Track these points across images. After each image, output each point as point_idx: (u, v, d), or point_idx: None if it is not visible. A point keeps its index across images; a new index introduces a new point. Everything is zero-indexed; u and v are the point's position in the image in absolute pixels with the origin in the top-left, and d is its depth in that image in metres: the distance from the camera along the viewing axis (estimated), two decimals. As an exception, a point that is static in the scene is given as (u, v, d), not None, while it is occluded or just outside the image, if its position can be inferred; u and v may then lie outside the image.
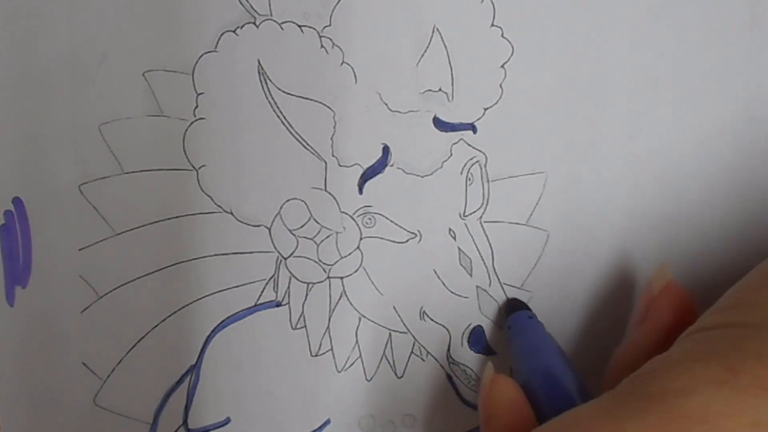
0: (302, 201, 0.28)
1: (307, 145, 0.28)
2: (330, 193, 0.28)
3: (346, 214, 0.28)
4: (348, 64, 0.28)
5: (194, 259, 0.28)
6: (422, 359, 0.30)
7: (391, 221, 0.29)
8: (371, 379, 0.29)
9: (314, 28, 0.27)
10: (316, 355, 0.29)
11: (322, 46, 0.27)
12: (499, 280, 0.29)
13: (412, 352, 0.29)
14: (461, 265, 0.29)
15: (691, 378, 0.21)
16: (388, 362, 0.29)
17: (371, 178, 0.28)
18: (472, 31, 0.28)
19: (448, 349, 0.30)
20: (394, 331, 0.29)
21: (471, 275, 0.29)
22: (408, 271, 0.29)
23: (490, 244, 0.29)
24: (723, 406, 0.20)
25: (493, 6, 0.28)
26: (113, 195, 0.27)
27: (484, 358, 0.30)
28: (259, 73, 0.27)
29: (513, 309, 0.29)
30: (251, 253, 0.28)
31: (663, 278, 0.27)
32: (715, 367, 0.21)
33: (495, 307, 0.29)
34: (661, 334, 0.26)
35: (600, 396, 0.23)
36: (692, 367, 0.21)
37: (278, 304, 0.29)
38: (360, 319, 0.29)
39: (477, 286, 0.29)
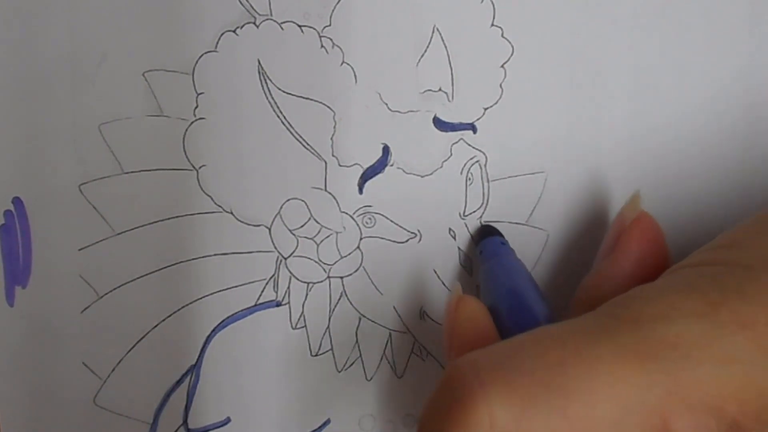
0: (302, 201, 0.28)
1: (307, 145, 0.28)
2: (330, 193, 0.28)
3: (346, 214, 0.28)
4: (348, 64, 0.28)
5: (194, 259, 0.28)
6: (422, 359, 0.30)
7: (391, 221, 0.29)
8: (371, 379, 0.29)
9: (314, 28, 0.27)
10: (316, 355, 0.29)
11: (322, 46, 0.27)
12: (499, 280, 0.29)
13: (412, 352, 0.29)
14: (461, 265, 0.29)
15: (669, 307, 0.21)
16: (388, 362, 0.29)
17: (371, 178, 0.28)
18: (472, 31, 0.28)
19: (448, 349, 0.30)
20: (394, 331, 0.29)
21: (471, 275, 0.29)
22: (408, 271, 0.29)
23: (490, 244, 0.29)
24: (699, 337, 0.20)
25: (493, 6, 0.28)
26: (113, 195, 0.27)
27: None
28: (259, 73, 0.27)
29: (485, 234, 0.29)
30: (251, 252, 0.28)
31: (635, 209, 0.27)
32: (696, 300, 0.21)
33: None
34: (631, 264, 0.25)
35: (573, 318, 0.22)
36: (673, 297, 0.21)
37: (278, 304, 0.29)
38: (360, 319, 0.29)
39: (477, 286, 0.29)
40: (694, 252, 0.24)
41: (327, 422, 0.29)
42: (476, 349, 0.22)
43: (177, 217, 0.28)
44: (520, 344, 0.21)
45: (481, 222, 0.29)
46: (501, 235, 0.29)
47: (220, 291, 0.28)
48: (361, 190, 0.28)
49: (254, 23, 0.27)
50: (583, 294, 0.26)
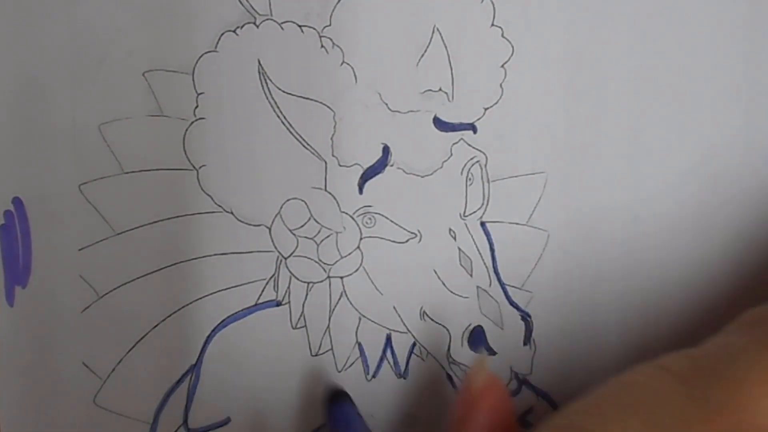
0: (302, 201, 0.28)
1: (307, 145, 0.28)
2: (330, 193, 0.28)
3: (346, 214, 0.28)
4: (348, 64, 0.28)
5: (194, 259, 0.28)
6: (422, 359, 0.30)
7: (391, 221, 0.29)
8: (371, 379, 0.29)
9: (314, 28, 0.27)
10: (316, 355, 0.29)
11: (322, 46, 0.27)
12: (499, 280, 0.29)
13: (412, 352, 0.29)
14: (461, 265, 0.29)
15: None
16: (388, 362, 0.29)
17: (371, 178, 0.28)
18: (472, 31, 0.28)
19: (448, 349, 0.30)
20: (394, 331, 0.29)
21: (471, 275, 0.29)
22: (408, 271, 0.29)
23: (490, 245, 0.29)
24: None
25: (493, 6, 0.28)
26: (113, 195, 0.27)
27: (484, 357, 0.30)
28: (259, 73, 0.27)
29: (336, 399, 0.28)
30: (251, 252, 0.28)
31: (482, 375, 0.25)
32: None
33: (495, 307, 0.29)
34: None
35: None
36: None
37: (278, 304, 0.29)
38: (360, 319, 0.29)
39: (477, 286, 0.29)
40: (546, 424, 0.23)
41: (327, 422, 0.29)
42: None
43: (177, 217, 0.28)
44: None
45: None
46: (352, 401, 0.28)
47: (220, 291, 0.28)
48: (361, 190, 0.28)
49: (254, 23, 0.27)
50: None
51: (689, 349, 0.24)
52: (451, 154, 0.29)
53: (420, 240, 0.29)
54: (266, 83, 0.27)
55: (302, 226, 0.28)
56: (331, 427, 0.28)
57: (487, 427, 0.25)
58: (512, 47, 0.28)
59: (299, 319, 0.29)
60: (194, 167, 0.28)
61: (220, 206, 0.28)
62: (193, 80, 0.27)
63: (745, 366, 0.22)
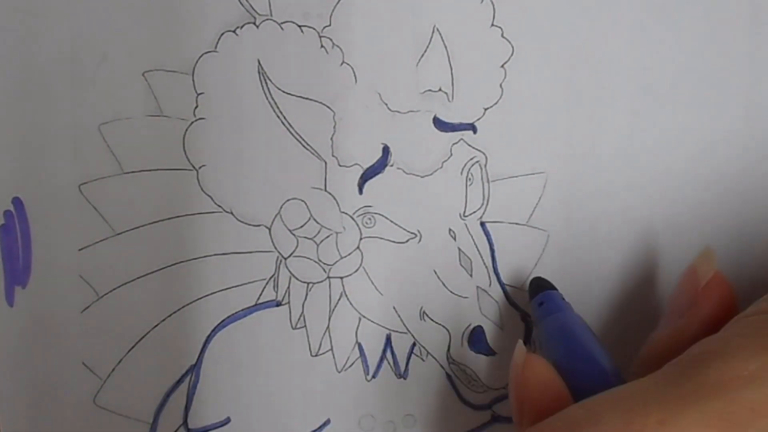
0: (302, 201, 0.28)
1: (307, 145, 0.28)
2: (330, 193, 0.28)
3: (346, 214, 0.28)
4: (348, 64, 0.28)
5: (194, 259, 0.28)
6: (422, 359, 0.30)
7: (391, 221, 0.29)
8: (371, 379, 0.29)
9: (314, 28, 0.27)
10: (316, 355, 0.29)
11: (322, 46, 0.27)
12: (499, 280, 0.29)
13: (412, 352, 0.29)
14: (461, 265, 0.29)
15: (759, 367, 0.20)
16: (388, 362, 0.29)
17: (371, 178, 0.28)
18: (472, 31, 0.28)
19: (448, 349, 0.30)
20: (394, 331, 0.29)
21: (471, 275, 0.29)
22: (408, 271, 0.29)
23: (490, 245, 0.29)
24: None
25: (493, 6, 0.28)
26: (113, 195, 0.27)
27: (485, 358, 0.30)
28: (259, 73, 0.27)
29: (540, 288, 0.28)
30: (251, 252, 0.28)
31: (710, 268, 0.26)
32: None
33: (495, 307, 0.29)
34: (708, 325, 0.24)
35: (644, 378, 0.21)
36: (756, 354, 0.20)
37: (278, 304, 0.29)
38: (360, 319, 0.29)
39: (477, 286, 0.29)
40: (759, 300, 0.23)
41: (327, 422, 0.29)
42: (552, 417, 0.21)
43: (177, 217, 0.28)
44: (599, 413, 0.21)
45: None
46: (557, 289, 0.28)
47: (220, 291, 0.28)
48: (361, 190, 0.28)
49: (254, 23, 0.27)
50: (652, 350, 0.26)
51: None
52: (451, 154, 0.29)
53: (420, 240, 0.29)
54: (266, 83, 0.27)
55: (302, 226, 0.28)
56: (538, 315, 0.27)
57: (714, 321, 0.24)
58: (512, 47, 0.28)
59: (299, 319, 0.29)
60: (194, 167, 0.28)
61: (220, 206, 0.28)
62: (193, 80, 0.27)
63: None
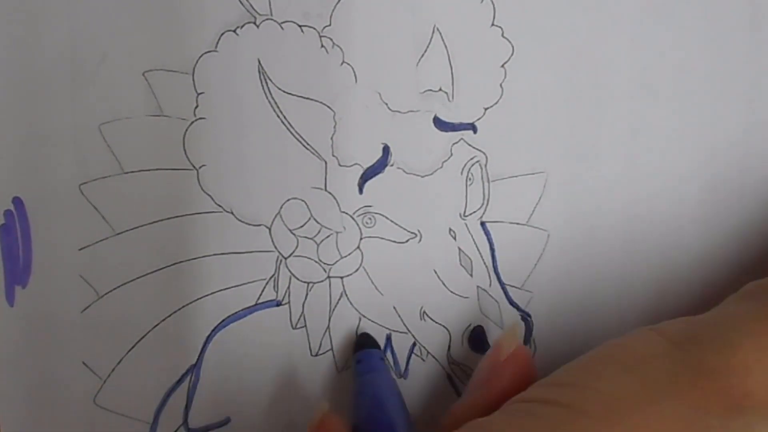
0: (302, 201, 0.28)
1: (307, 145, 0.28)
2: (330, 193, 0.28)
3: (346, 214, 0.28)
4: (348, 64, 0.28)
5: (194, 258, 0.28)
6: (422, 359, 0.30)
7: (391, 221, 0.29)
8: (371, 379, 0.29)
9: (314, 28, 0.27)
10: (316, 355, 0.29)
11: (322, 46, 0.27)
12: (499, 280, 0.29)
13: (412, 351, 0.29)
14: (461, 265, 0.29)
15: None
16: (388, 362, 0.29)
17: (371, 178, 0.28)
18: (472, 31, 0.28)
19: (448, 349, 0.30)
20: (394, 331, 0.29)
21: (471, 275, 0.29)
22: (408, 271, 0.29)
23: (490, 244, 0.29)
24: None
25: (493, 6, 0.28)
26: (113, 195, 0.27)
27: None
28: (259, 72, 0.27)
29: (362, 345, 0.29)
30: (251, 252, 0.28)
31: (511, 343, 0.26)
32: None
33: (495, 307, 0.29)
34: (501, 400, 0.25)
35: None
36: None
37: (278, 304, 0.29)
38: (360, 319, 0.29)
39: (477, 286, 0.29)
40: (534, 384, 0.24)
41: (327, 422, 0.29)
42: None
43: (177, 217, 0.28)
44: None
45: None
46: (380, 348, 0.29)
47: (220, 291, 0.28)
48: (361, 190, 0.28)
49: (254, 23, 0.27)
50: (451, 421, 0.26)
51: (687, 317, 0.25)
52: (451, 154, 0.29)
53: (420, 240, 0.29)
54: (266, 83, 0.27)
55: (302, 226, 0.28)
56: (354, 371, 0.28)
57: (507, 394, 0.25)
58: (512, 47, 0.28)
59: (299, 319, 0.29)
60: (194, 167, 0.28)
61: (220, 206, 0.28)
62: (193, 80, 0.27)
63: (738, 333, 0.23)
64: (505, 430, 0.22)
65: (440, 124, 0.28)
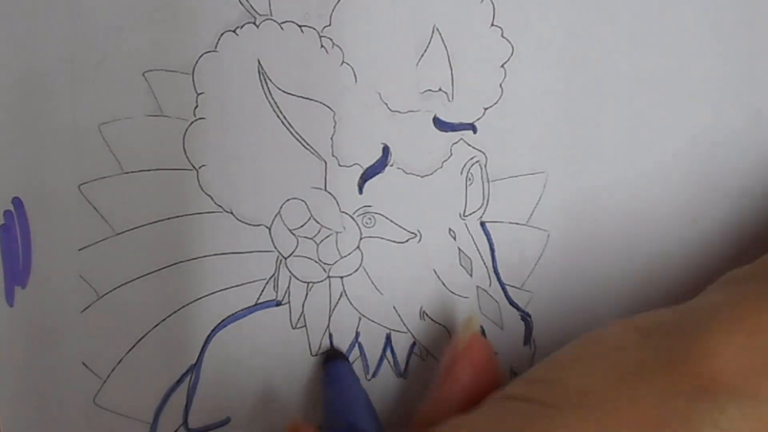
0: (302, 201, 0.28)
1: (307, 145, 0.28)
2: (330, 193, 0.28)
3: (346, 214, 0.28)
4: (348, 64, 0.28)
5: (194, 258, 0.28)
6: (422, 359, 0.30)
7: (391, 221, 0.29)
8: (371, 378, 0.29)
9: (314, 28, 0.27)
10: (316, 355, 0.29)
11: (322, 46, 0.27)
12: (499, 280, 0.29)
13: (412, 351, 0.29)
14: (461, 265, 0.29)
15: None
16: (388, 362, 0.29)
17: (371, 178, 0.28)
18: (472, 31, 0.28)
19: (448, 349, 0.30)
20: (394, 331, 0.29)
21: (471, 275, 0.29)
22: (408, 271, 0.29)
23: (490, 244, 0.29)
24: None
25: (493, 6, 0.28)
26: (113, 195, 0.27)
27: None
28: (259, 73, 0.27)
29: (332, 357, 0.29)
30: (251, 252, 0.28)
31: (466, 334, 0.27)
32: None
33: (495, 307, 0.29)
34: (463, 394, 0.26)
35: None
36: None
37: (278, 304, 0.29)
38: (360, 319, 0.29)
39: (477, 286, 0.29)
40: (514, 380, 0.25)
41: (327, 422, 0.29)
42: None
43: (177, 217, 0.28)
44: None
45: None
46: (349, 361, 0.29)
47: (220, 291, 0.28)
48: (361, 190, 0.28)
49: (254, 23, 0.27)
50: (421, 419, 0.26)
51: (663, 308, 0.25)
52: (451, 154, 0.29)
53: (420, 240, 0.29)
54: (266, 83, 0.27)
55: (302, 226, 0.28)
56: (323, 383, 0.28)
57: (468, 383, 0.26)
58: (512, 47, 0.28)
59: (299, 318, 0.29)
60: (194, 167, 0.28)
61: (220, 206, 0.28)
62: (193, 80, 0.27)
63: (707, 319, 0.23)
64: (480, 428, 0.23)
65: (440, 124, 0.28)
